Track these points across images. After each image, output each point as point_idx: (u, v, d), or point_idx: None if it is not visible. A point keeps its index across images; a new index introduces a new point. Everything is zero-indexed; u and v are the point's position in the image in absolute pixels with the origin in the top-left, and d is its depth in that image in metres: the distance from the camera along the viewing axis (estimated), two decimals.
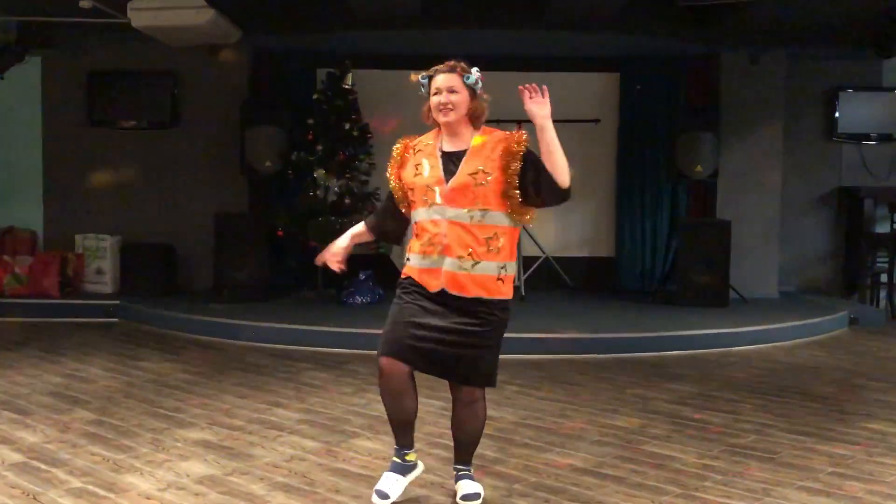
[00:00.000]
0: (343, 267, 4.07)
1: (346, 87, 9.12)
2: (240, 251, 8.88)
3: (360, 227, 4.10)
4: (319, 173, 8.93)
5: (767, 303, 9.35)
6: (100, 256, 9.54)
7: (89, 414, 5.30)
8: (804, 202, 10.31)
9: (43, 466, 4.30)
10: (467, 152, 3.66)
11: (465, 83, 3.64)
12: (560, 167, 3.57)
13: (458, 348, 3.63)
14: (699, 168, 9.30)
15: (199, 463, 4.39)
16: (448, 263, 3.61)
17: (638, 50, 9.68)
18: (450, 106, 3.62)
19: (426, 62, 11.25)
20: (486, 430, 4.97)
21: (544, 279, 9.75)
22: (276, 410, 5.44)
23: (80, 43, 9.47)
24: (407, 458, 3.88)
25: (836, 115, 10.19)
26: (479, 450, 4.61)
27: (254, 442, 4.77)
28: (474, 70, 3.69)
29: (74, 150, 9.80)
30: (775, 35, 9.17)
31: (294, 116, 9.27)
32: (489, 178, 3.59)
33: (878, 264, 9.96)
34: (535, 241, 9.59)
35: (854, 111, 10.18)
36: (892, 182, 10.14)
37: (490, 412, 5.37)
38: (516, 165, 3.59)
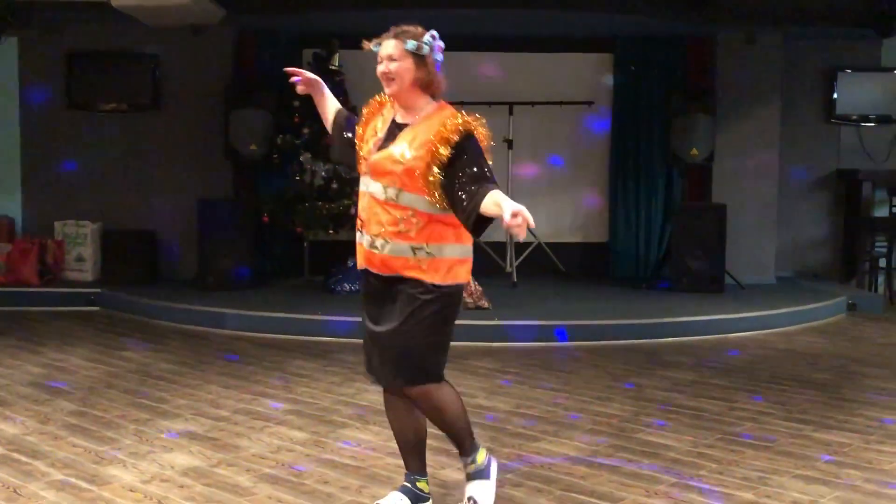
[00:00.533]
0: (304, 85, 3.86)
1: (333, 68, 9.07)
2: (224, 238, 8.85)
3: (333, 107, 3.88)
4: (306, 157, 8.91)
5: (764, 288, 9.38)
6: (80, 243, 9.50)
7: (71, 405, 5.29)
8: (802, 185, 10.33)
9: (23, 458, 4.29)
10: (409, 126, 3.45)
11: (406, 50, 3.40)
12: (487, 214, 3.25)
13: (383, 340, 3.47)
14: (695, 151, 9.31)
15: (183, 454, 4.39)
16: (365, 240, 3.47)
17: (633, 30, 9.67)
18: (390, 76, 3.40)
19: None
20: (477, 420, 5.01)
21: (536, 265, 9.76)
22: (263, 400, 5.44)
23: (58, 23, 9.40)
24: (418, 484, 3.65)
25: (835, 96, 10.19)
26: None
27: (240, 433, 4.77)
28: (428, 36, 3.43)
29: (53, 133, 9.74)
30: (773, 15, 9.16)
31: (279, 99, 9.23)
32: (411, 156, 3.34)
33: (877, 249, 10.00)
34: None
35: (853, 92, 10.17)
36: (892, 165, 10.15)
37: (481, 401, 5.43)
38: (445, 152, 3.30)
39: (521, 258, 9.43)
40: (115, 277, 9.25)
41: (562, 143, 10.20)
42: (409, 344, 3.42)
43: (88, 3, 8.24)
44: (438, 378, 3.52)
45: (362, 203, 3.50)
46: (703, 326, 7.67)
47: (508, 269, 9.31)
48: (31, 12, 9.06)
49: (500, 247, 9.56)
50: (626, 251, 10.08)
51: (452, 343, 6.24)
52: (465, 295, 7.75)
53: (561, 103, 9.79)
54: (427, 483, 3.70)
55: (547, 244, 9.79)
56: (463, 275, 3.52)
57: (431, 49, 3.43)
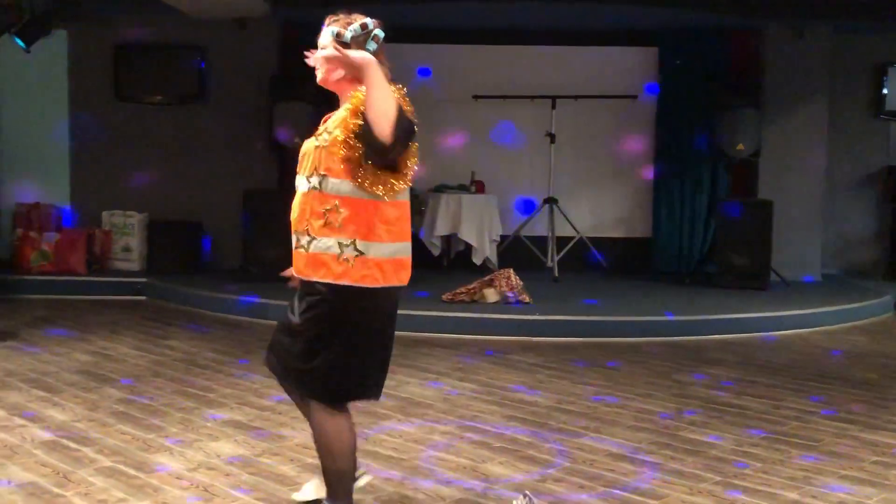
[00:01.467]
0: None
1: None
2: (268, 229, 8.91)
3: None
4: None
5: (809, 286, 9.27)
6: (127, 233, 9.65)
7: (118, 392, 5.37)
8: (849, 182, 10.20)
9: (73, 445, 4.36)
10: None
11: (331, 38, 3.17)
12: (376, 111, 2.88)
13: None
14: (741, 146, 9.20)
15: (229, 443, 4.44)
16: (293, 241, 3.23)
17: (678, 23, 9.58)
18: (317, 63, 3.23)
19: (459, 35, 11.23)
20: (519, 415, 5.01)
21: (578, 260, 9.73)
22: None
23: (106, 16, 9.54)
24: None
25: (884, 91, 10.04)
26: (512, 434, 4.65)
27: (284, 422, 4.81)
28: (357, 24, 3.18)
29: (101, 125, 9.88)
30: (821, 8, 9.02)
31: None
32: (329, 138, 3.08)
33: None
34: (568, 220, 9.56)
35: None
36: None
37: (523, 395, 5.42)
38: (356, 122, 2.97)
39: (563, 252, 9.40)
40: (161, 267, 9.39)
41: (605, 137, 10.14)
42: (300, 346, 3.18)
43: None
44: (327, 401, 3.20)
45: (293, 205, 3.25)
46: (747, 324, 7.59)
47: (550, 263, 9.29)
48: (80, 5, 9.20)
49: (541, 242, 9.55)
50: (669, 246, 10.02)
51: (492, 337, 6.22)
52: (506, 289, 7.79)
53: (605, 97, 9.74)
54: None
55: (589, 239, 9.75)
56: (386, 277, 3.11)
57: (358, 37, 3.16)
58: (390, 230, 3.12)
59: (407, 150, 3.01)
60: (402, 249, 3.17)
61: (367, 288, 3.08)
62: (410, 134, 2.97)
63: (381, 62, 3.06)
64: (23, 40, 8.80)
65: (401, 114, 2.90)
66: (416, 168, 3.11)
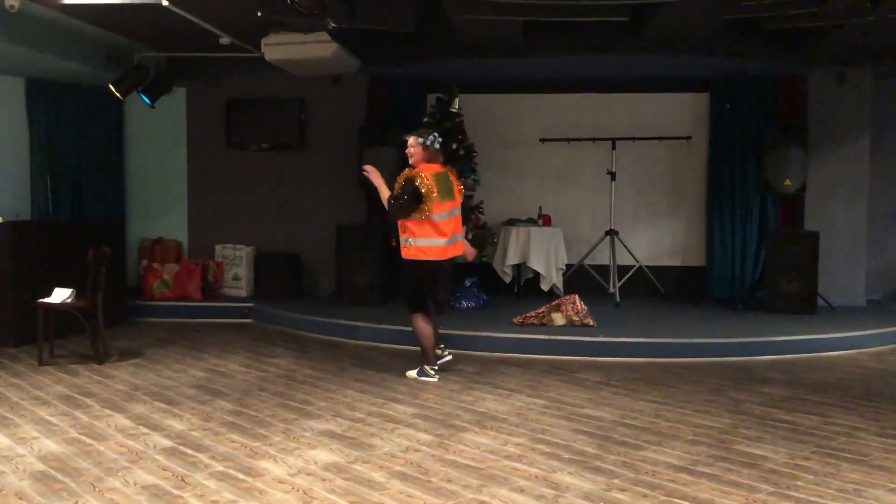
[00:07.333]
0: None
1: (454, 110, 9.17)
2: (358, 259, 9.02)
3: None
4: None
5: (855, 310, 8.95)
6: (236, 264, 9.85)
7: (228, 405, 5.45)
8: (890, 214, 9.84)
9: (189, 451, 4.44)
10: None
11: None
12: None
13: None
14: (788, 182, 8.98)
15: (325, 451, 4.46)
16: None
17: (728, 70, 9.43)
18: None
19: (526, 86, 11.21)
20: (585, 428, 4.96)
21: (638, 287, 9.58)
22: (393, 405, 5.49)
23: (219, 75, 9.81)
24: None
25: None
26: (579, 446, 4.58)
27: (373, 433, 4.82)
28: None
29: (214, 169, 10.14)
30: (861, 55, 8.79)
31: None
32: None
33: None
34: (628, 250, 9.43)
35: None
36: None
37: (588, 411, 5.36)
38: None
39: (624, 280, 9.27)
40: (266, 294, 9.55)
41: (661, 175, 10.01)
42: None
43: (245, 58, 8.58)
44: (409, 310, 6.20)
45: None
46: (797, 345, 7.36)
47: (611, 289, 9.17)
48: (197, 66, 9.48)
49: (603, 270, 9.43)
50: (722, 274, 9.78)
51: (559, 357, 6.28)
52: (572, 313, 7.71)
53: (660, 138, 9.62)
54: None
55: (647, 267, 9.60)
56: (422, 254, 6.03)
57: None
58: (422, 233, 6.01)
59: (409, 210, 6.04)
60: (428, 241, 6.00)
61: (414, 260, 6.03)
62: (395, 212, 6.10)
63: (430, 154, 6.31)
64: (148, 97, 9.13)
65: (390, 206, 6.11)
66: (436, 207, 6.02)
